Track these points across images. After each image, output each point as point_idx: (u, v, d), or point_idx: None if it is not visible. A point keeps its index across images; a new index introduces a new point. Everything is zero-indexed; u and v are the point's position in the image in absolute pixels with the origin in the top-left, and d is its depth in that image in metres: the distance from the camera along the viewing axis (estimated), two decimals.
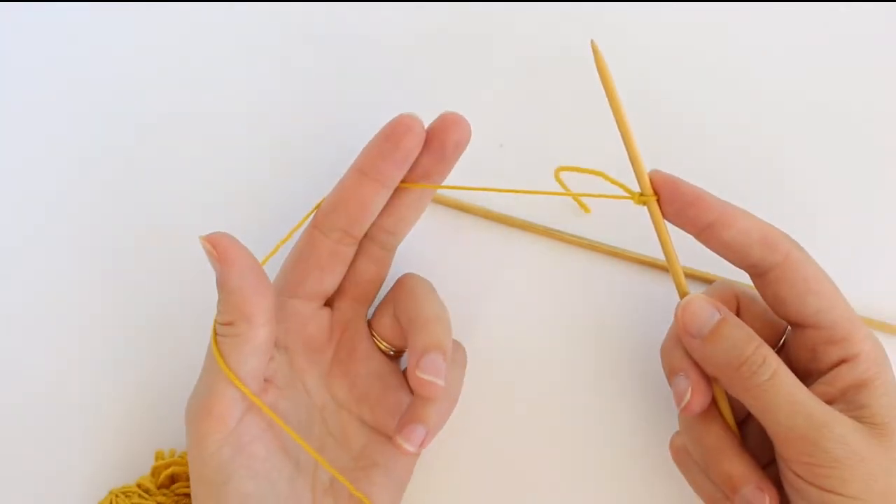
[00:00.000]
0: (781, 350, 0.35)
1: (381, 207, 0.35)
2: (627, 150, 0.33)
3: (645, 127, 0.41)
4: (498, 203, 0.41)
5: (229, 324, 0.32)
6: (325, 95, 0.43)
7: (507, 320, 0.40)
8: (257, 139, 0.42)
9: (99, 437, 0.39)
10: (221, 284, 0.32)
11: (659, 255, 0.40)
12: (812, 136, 0.41)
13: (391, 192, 0.35)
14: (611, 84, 0.33)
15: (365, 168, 0.34)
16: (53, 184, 0.42)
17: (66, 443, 0.39)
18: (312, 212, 0.35)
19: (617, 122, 0.33)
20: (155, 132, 0.42)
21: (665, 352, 0.35)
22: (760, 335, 0.34)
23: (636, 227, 0.40)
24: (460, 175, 0.41)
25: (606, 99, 0.33)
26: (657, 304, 0.40)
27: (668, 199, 0.33)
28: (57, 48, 0.44)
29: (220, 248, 0.31)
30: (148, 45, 0.43)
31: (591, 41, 0.33)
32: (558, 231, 0.40)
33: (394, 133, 0.34)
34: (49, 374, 0.40)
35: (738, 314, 0.35)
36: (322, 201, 0.35)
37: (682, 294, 0.34)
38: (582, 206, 0.41)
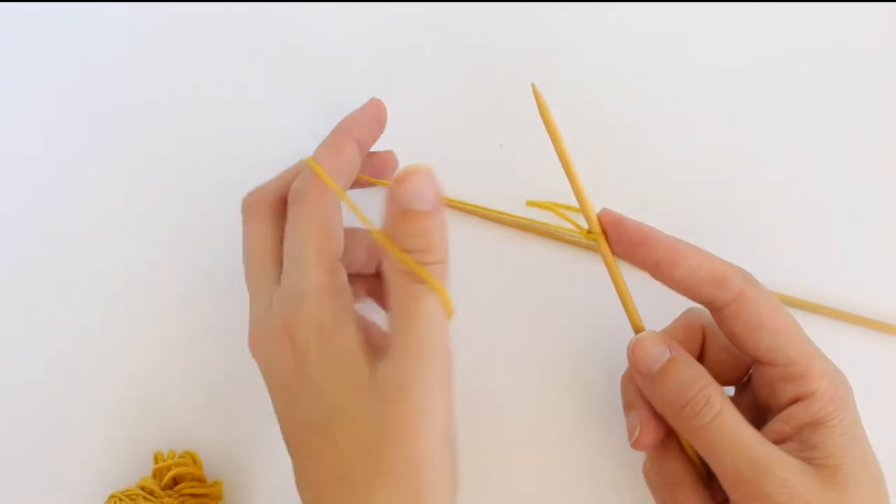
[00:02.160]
0: (748, 383, 0.35)
1: None
2: (574, 189, 0.34)
3: (641, 128, 0.41)
4: (497, 204, 0.41)
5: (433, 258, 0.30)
6: (324, 96, 0.42)
7: (506, 319, 0.40)
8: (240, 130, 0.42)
9: (93, 440, 0.40)
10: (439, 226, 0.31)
11: None
12: (812, 137, 0.41)
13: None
14: (553, 127, 0.33)
15: (355, 134, 0.35)
16: (49, 184, 0.42)
17: (62, 446, 0.40)
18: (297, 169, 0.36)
19: (562, 163, 0.33)
20: (137, 136, 0.42)
21: (623, 385, 0.35)
22: (726, 367, 0.34)
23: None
24: (460, 175, 0.41)
25: (550, 141, 0.33)
26: (656, 303, 0.40)
27: (616, 239, 0.34)
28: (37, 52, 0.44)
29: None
30: (146, 41, 0.43)
31: (532, 84, 0.33)
32: (558, 231, 0.40)
33: (375, 108, 0.37)
34: (44, 374, 0.40)
35: (703, 345, 0.35)
36: (309, 158, 0.34)
37: (637, 330, 0.34)
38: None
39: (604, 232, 0.34)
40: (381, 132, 0.37)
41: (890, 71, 0.42)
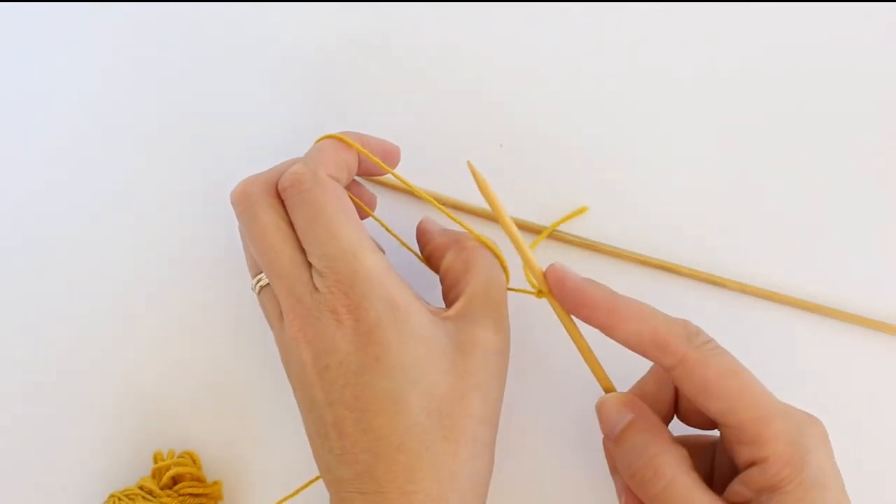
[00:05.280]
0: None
1: None
2: (521, 255, 0.34)
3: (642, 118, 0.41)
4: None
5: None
6: (322, 96, 0.42)
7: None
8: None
9: (93, 440, 0.40)
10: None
11: (660, 256, 0.40)
12: (811, 137, 0.41)
13: None
14: (496, 202, 0.33)
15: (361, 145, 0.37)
16: (50, 184, 0.42)
17: (62, 446, 0.40)
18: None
19: (508, 234, 0.34)
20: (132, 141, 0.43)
21: (604, 446, 0.35)
22: (698, 418, 0.33)
23: (636, 227, 0.40)
24: (459, 175, 0.41)
25: (493, 212, 0.33)
26: (657, 303, 0.40)
27: (560, 298, 0.33)
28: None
29: None
30: (136, 42, 0.44)
31: (468, 162, 0.34)
32: (558, 231, 0.40)
33: (391, 146, 0.38)
34: (44, 374, 0.40)
35: (676, 396, 0.34)
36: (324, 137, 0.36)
37: (605, 388, 0.34)
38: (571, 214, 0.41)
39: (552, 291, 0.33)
40: (380, 173, 0.37)
41: (890, 70, 0.41)
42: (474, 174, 0.33)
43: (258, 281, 0.35)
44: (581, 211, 0.41)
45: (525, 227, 0.40)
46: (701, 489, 0.30)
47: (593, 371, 0.34)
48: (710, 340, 0.31)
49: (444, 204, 0.40)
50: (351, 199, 0.35)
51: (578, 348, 0.34)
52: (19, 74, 0.44)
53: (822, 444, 0.30)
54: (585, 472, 0.38)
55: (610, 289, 0.33)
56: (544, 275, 0.33)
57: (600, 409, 0.33)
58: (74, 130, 0.43)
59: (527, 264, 0.34)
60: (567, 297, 0.33)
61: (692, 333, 0.31)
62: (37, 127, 0.43)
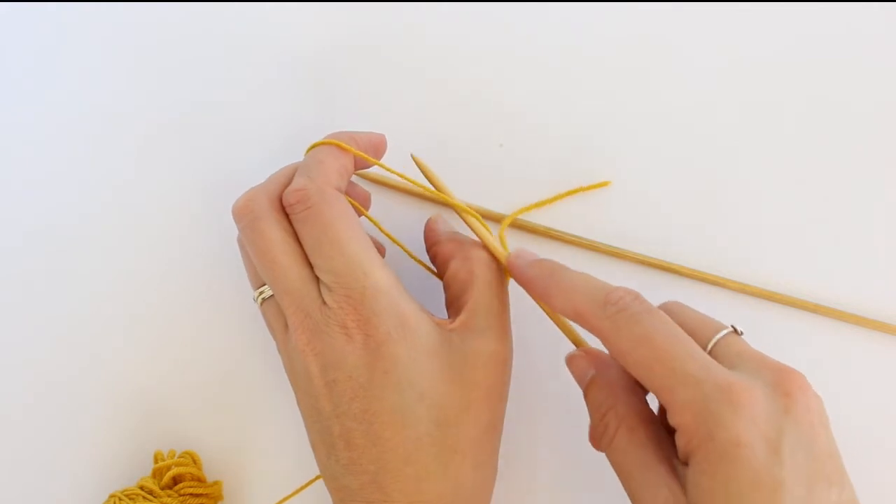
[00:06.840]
0: None
1: None
2: (485, 243, 0.36)
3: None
4: (498, 204, 0.41)
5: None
6: (322, 96, 0.42)
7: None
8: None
9: (93, 440, 0.40)
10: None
11: (660, 256, 0.40)
12: (811, 137, 0.41)
13: None
14: (444, 189, 0.36)
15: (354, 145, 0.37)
16: (49, 184, 0.42)
17: (62, 446, 0.40)
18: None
19: (467, 222, 0.36)
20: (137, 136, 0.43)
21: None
22: None
23: (636, 227, 0.40)
24: (460, 174, 0.41)
25: (449, 203, 0.36)
26: (656, 303, 0.40)
27: (515, 280, 0.35)
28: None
29: None
30: (130, 48, 0.44)
31: (412, 155, 0.36)
32: (558, 231, 0.40)
33: (378, 138, 0.38)
34: (44, 374, 0.40)
35: None
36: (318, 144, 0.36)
37: (575, 343, 0.35)
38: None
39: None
40: (370, 165, 0.37)
41: (888, 67, 0.42)
42: (420, 166, 0.36)
43: (260, 293, 0.35)
44: (604, 184, 0.41)
45: (526, 228, 0.40)
46: (641, 443, 0.30)
47: (562, 329, 0.35)
48: (625, 308, 0.30)
49: (446, 204, 0.40)
50: (347, 200, 0.35)
51: (542, 308, 0.35)
52: (19, 75, 0.44)
53: (738, 414, 0.27)
54: (588, 477, 0.38)
55: (553, 266, 0.33)
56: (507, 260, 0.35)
57: (568, 365, 0.34)
58: (72, 130, 0.43)
59: (492, 250, 0.35)
60: (517, 279, 0.34)
61: (608, 302, 0.30)
62: (35, 129, 0.43)
